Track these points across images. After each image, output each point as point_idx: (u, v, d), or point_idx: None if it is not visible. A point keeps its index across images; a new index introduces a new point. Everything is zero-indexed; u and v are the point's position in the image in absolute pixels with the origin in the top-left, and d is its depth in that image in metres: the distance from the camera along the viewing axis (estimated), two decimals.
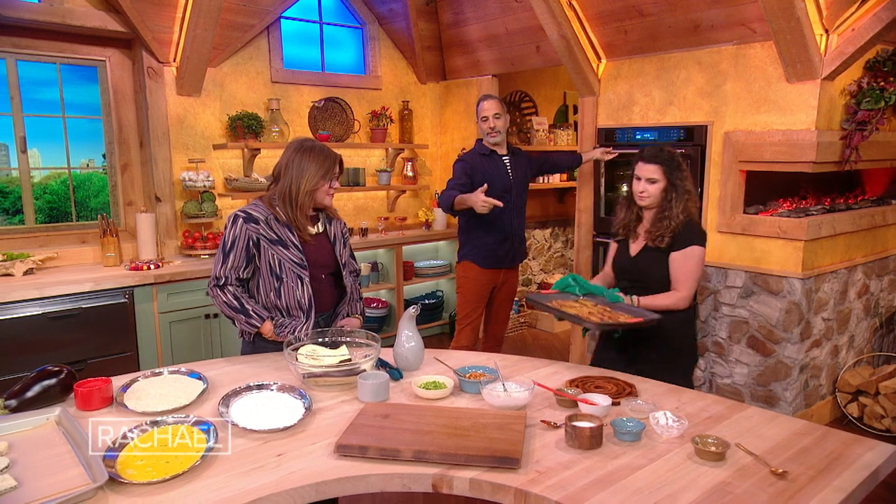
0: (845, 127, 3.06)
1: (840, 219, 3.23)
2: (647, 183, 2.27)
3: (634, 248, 2.38)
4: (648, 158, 2.29)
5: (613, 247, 2.52)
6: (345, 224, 2.35)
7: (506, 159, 3.32)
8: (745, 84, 3.16)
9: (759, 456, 1.45)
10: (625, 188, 2.53)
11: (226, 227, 2.08)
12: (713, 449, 1.44)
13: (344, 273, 2.26)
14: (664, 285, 2.29)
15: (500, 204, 2.94)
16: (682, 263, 2.26)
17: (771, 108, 3.07)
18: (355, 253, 2.46)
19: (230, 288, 2.09)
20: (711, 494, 1.30)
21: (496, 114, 3.23)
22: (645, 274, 2.32)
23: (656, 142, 3.57)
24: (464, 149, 4.49)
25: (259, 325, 2.09)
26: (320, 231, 2.21)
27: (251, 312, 2.08)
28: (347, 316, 2.29)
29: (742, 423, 1.63)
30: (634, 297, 2.28)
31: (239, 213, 2.08)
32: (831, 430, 1.60)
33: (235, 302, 2.08)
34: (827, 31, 2.83)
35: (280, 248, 2.09)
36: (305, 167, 2.07)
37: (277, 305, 2.13)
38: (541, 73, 5.35)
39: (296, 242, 2.11)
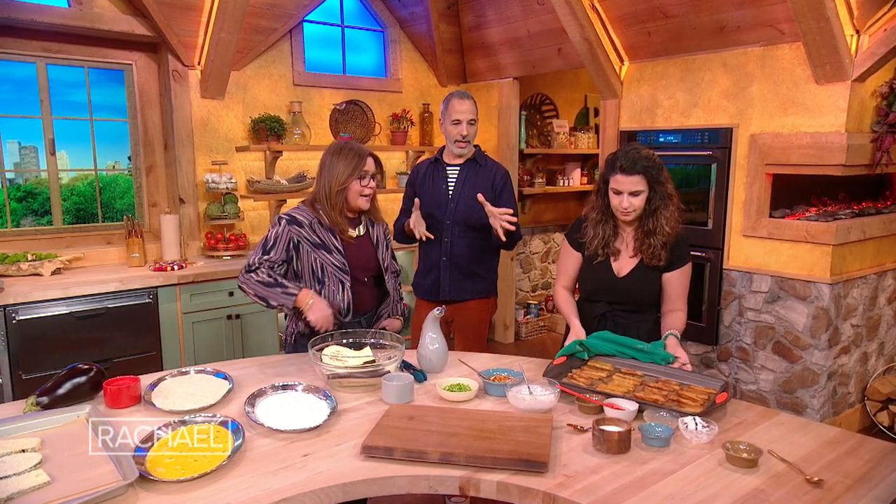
0: (876, 129, 3.00)
1: (870, 223, 3.17)
2: (631, 196, 1.99)
3: (621, 266, 2.11)
4: (628, 169, 1.96)
5: (576, 259, 2.22)
6: (387, 226, 2.34)
7: (452, 170, 2.69)
8: (772, 86, 3.11)
9: (793, 463, 1.41)
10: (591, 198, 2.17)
11: (270, 227, 2.12)
12: (745, 455, 1.41)
13: (386, 276, 2.27)
14: (650, 303, 2.13)
15: (428, 235, 2.56)
16: (682, 282, 2.10)
17: (799, 110, 3.02)
18: None
19: (262, 269, 2.05)
20: (745, 502, 1.28)
21: (472, 119, 2.60)
22: (637, 295, 2.10)
23: (679, 144, 3.53)
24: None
25: (296, 292, 2.02)
26: (362, 234, 2.22)
27: (286, 284, 2.03)
28: (388, 317, 2.30)
29: (773, 430, 1.60)
30: (671, 339, 2.00)
31: (283, 215, 2.12)
32: (867, 439, 1.56)
33: (269, 278, 2.03)
34: (858, 31, 2.78)
35: (323, 251, 2.11)
36: (335, 165, 2.11)
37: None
38: (561, 76, 5.33)
39: (338, 246, 2.13)
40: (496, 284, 2.80)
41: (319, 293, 2.11)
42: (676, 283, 2.10)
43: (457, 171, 2.68)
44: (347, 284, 2.13)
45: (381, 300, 2.31)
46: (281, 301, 2.04)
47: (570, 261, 2.24)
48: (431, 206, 2.64)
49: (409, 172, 2.90)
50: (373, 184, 2.15)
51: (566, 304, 2.24)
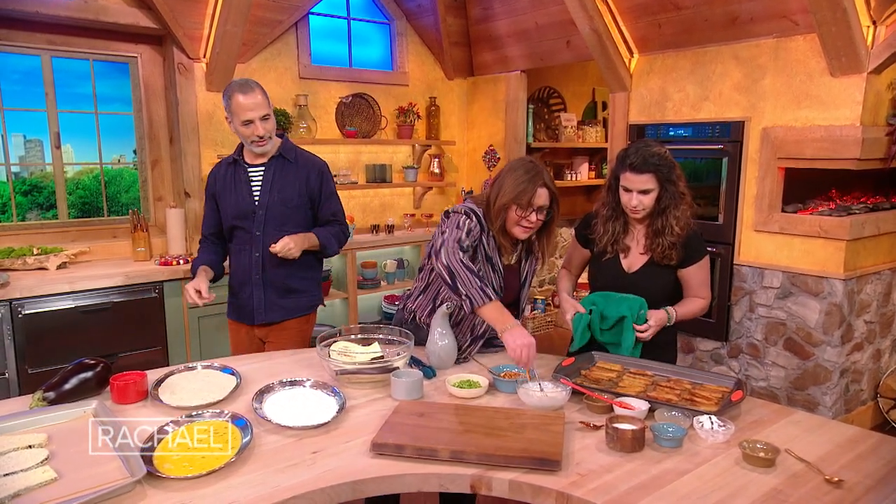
0: (892, 122, 2.95)
1: (884, 218, 3.12)
2: (641, 195, 1.96)
3: (631, 263, 2.09)
4: (638, 167, 1.93)
5: (583, 255, 2.21)
6: (538, 262, 2.15)
7: (255, 171, 2.28)
8: (785, 78, 3.06)
9: (812, 463, 1.38)
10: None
11: (462, 215, 1.93)
12: (762, 455, 1.38)
13: (520, 316, 2.12)
14: (661, 297, 2.07)
15: (207, 299, 2.15)
16: (699, 275, 2.06)
17: (813, 103, 2.97)
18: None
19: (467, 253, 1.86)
20: (764, 502, 1.25)
21: (265, 115, 2.18)
22: (645, 291, 2.06)
23: (689, 138, 3.49)
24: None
25: (492, 298, 1.79)
26: (512, 262, 2.05)
27: (483, 280, 1.84)
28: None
29: (789, 429, 1.57)
30: (671, 309, 2.02)
31: (471, 211, 1.94)
32: (887, 438, 1.53)
33: (472, 264, 1.84)
34: (874, 22, 2.72)
35: (489, 266, 1.99)
36: (504, 182, 1.92)
37: (454, 314, 2.03)
38: (569, 69, 5.28)
39: (500, 269, 2.01)
40: (320, 295, 2.47)
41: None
42: (694, 276, 2.08)
43: (261, 173, 2.27)
44: None
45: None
46: (470, 293, 1.78)
47: (577, 255, 2.26)
48: (236, 216, 2.28)
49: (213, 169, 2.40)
50: (534, 218, 1.92)
51: (563, 279, 2.28)
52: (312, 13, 4.23)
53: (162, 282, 3.21)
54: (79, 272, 3.19)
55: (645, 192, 1.96)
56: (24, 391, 2.85)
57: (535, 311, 5.17)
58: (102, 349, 3.00)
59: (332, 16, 4.42)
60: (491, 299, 1.78)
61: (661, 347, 2.09)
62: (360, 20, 4.56)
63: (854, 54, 2.74)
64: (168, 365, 3.08)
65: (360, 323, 3.75)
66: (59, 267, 3.25)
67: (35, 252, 3.25)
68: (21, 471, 1.26)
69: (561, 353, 2.17)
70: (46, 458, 1.32)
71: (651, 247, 2.03)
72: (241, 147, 2.33)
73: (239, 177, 2.29)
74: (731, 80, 3.28)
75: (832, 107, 2.91)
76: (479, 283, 1.79)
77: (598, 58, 3.69)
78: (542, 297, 5.24)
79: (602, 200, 2.11)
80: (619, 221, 2.07)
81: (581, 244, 2.21)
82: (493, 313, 1.79)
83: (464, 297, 1.79)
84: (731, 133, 3.27)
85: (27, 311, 2.87)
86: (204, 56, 3.71)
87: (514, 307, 2.10)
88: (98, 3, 3.35)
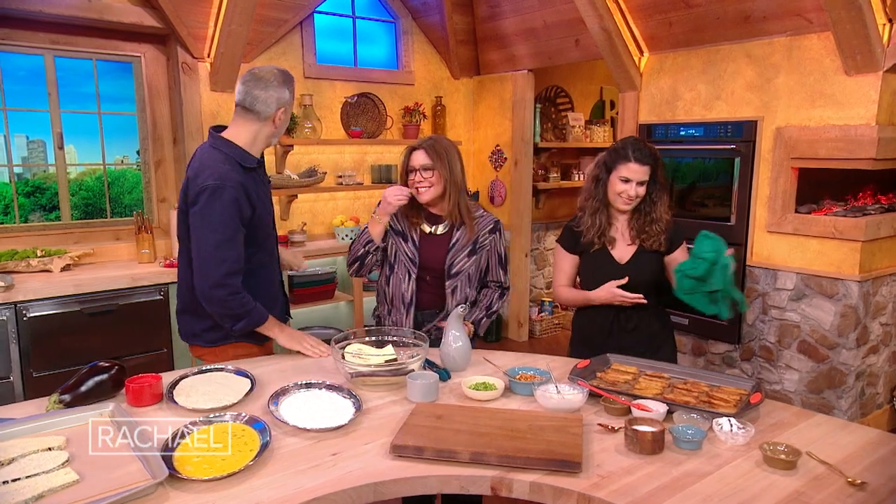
0: None
1: None
2: (639, 186, 2.08)
3: (620, 254, 2.16)
4: (642, 159, 2.05)
5: (573, 261, 2.24)
6: (493, 235, 2.18)
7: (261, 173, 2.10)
8: (798, 77, 3.04)
9: (834, 465, 1.37)
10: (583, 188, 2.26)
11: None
12: (783, 457, 1.37)
13: (448, 280, 2.15)
14: (652, 285, 2.14)
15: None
16: (683, 257, 2.14)
17: (827, 103, 2.95)
18: None
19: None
20: None
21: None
22: (640, 280, 2.12)
23: (700, 138, 3.46)
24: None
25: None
26: (440, 233, 2.18)
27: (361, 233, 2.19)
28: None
29: (811, 431, 1.55)
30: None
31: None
32: None
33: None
34: (891, 20, 2.70)
35: (400, 239, 2.18)
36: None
37: (385, 292, 2.22)
38: (577, 68, 5.26)
39: (414, 238, 2.17)
40: None
41: (388, 278, 2.20)
42: (683, 258, 2.15)
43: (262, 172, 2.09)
44: (413, 276, 2.16)
45: (448, 300, 2.19)
46: (362, 238, 2.16)
47: (566, 264, 2.27)
48: (269, 226, 2.06)
49: (222, 184, 1.83)
50: (420, 178, 2.08)
51: (573, 290, 2.27)
52: (317, 12, 4.21)
53: (167, 284, 3.18)
54: (83, 274, 3.16)
55: (642, 182, 2.09)
56: (28, 395, 2.82)
57: (543, 314, 5.14)
58: (108, 352, 2.96)
59: (338, 14, 4.40)
60: (373, 216, 2.14)
61: (659, 340, 2.19)
62: (366, 19, 4.54)
63: (869, 53, 2.71)
64: (173, 368, 3.06)
65: (365, 326, 3.72)
66: (62, 269, 3.22)
67: (39, 254, 3.23)
68: (43, 473, 1.25)
69: (567, 355, 2.19)
70: (67, 461, 1.31)
71: (640, 236, 2.14)
72: (238, 149, 1.92)
73: (264, 182, 2.05)
74: (743, 79, 3.25)
75: (847, 106, 2.89)
76: (360, 234, 2.17)
77: (608, 57, 3.66)
78: (550, 300, 5.22)
79: (587, 195, 2.20)
80: (604, 214, 2.17)
81: (568, 251, 2.24)
82: (374, 225, 2.13)
83: (366, 245, 2.14)
84: (744, 133, 3.25)
85: (32, 314, 2.84)
86: (208, 56, 3.69)
87: (442, 267, 2.17)
88: (101, 2, 3.33)
